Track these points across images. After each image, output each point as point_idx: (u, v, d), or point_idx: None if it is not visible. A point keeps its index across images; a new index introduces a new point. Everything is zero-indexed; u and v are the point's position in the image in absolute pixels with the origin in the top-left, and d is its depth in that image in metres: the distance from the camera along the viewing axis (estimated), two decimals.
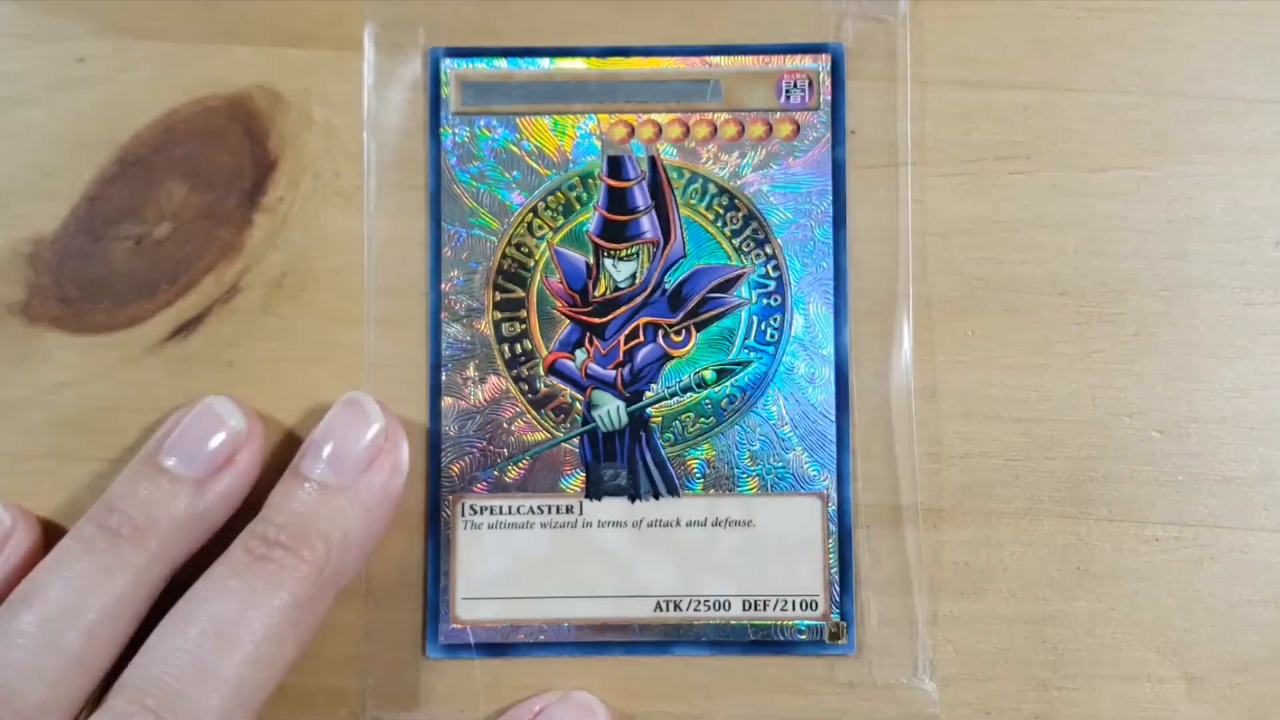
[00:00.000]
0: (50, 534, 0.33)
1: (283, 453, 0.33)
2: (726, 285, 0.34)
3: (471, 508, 0.34)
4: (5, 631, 0.30)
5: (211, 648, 0.29)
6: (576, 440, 0.34)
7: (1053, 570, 0.34)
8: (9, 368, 0.34)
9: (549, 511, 0.34)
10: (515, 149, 0.34)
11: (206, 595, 0.30)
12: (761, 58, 0.34)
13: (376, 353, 0.34)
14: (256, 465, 0.33)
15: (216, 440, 0.32)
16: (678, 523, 0.34)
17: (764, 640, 0.34)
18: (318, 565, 0.31)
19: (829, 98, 0.34)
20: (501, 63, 0.34)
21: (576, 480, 0.34)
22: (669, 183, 0.34)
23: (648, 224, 0.34)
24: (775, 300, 0.34)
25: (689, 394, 0.34)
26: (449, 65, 0.34)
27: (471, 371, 0.34)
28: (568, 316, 0.34)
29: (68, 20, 0.35)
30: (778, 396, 0.34)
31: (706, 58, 0.34)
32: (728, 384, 0.34)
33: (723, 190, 0.34)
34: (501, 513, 0.34)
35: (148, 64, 0.34)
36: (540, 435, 0.34)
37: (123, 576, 0.30)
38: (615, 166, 0.34)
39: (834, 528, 0.34)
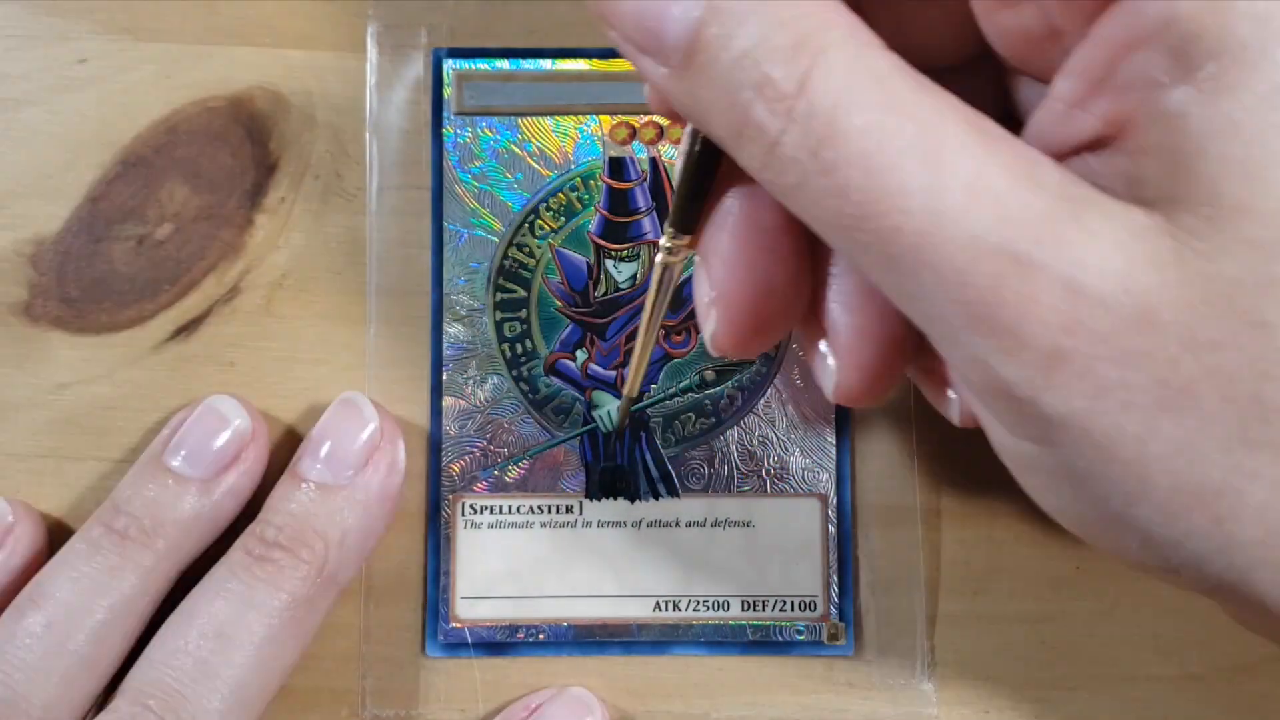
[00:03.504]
0: (53, 534, 0.33)
1: (285, 453, 0.33)
2: None
3: (472, 507, 0.34)
4: (13, 633, 0.30)
5: (213, 649, 0.30)
6: (577, 440, 0.34)
7: (1052, 570, 0.34)
8: (11, 368, 0.34)
9: (549, 511, 0.34)
10: (517, 149, 0.34)
11: (207, 597, 0.31)
12: None
13: (378, 353, 0.34)
14: (262, 463, 0.33)
15: (221, 439, 0.32)
16: (677, 523, 0.34)
17: (763, 641, 0.34)
18: (316, 565, 0.31)
19: None
20: (503, 63, 0.34)
21: (576, 481, 0.34)
22: (671, 184, 0.34)
23: (649, 225, 0.34)
24: None
25: (689, 394, 0.34)
26: (451, 66, 0.34)
27: (472, 371, 0.34)
28: (569, 317, 0.34)
29: (69, 21, 0.34)
30: (777, 397, 0.34)
31: None
32: (728, 384, 0.34)
33: None
34: (501, 512, 0.34)
35: (149, 65, 0.34)
36: (540, 435, 0.34)
37: (130, 578, 0.31)
38: (617, 167, 0.34)
39: (833, 528, 0.34)
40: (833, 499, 0.34)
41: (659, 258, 0.27)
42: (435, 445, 0.34)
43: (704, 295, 0.26)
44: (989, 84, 0.25)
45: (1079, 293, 0.20)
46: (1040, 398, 0.20)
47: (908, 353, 0.26)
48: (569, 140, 0.34)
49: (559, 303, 0.34)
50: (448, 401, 0.34)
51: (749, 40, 0.20)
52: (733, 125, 0.21)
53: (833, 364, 0.26)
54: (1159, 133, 0.20)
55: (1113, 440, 0.20)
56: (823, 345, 0.26)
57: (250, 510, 0.32)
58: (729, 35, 0.21)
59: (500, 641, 0.34)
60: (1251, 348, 0.20)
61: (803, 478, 0.34)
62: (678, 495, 0.34)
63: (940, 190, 0.20)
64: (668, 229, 0.26)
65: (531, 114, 0.34)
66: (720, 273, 0.25)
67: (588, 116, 0.34)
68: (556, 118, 0.34)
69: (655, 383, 0.34)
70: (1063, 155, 0.21)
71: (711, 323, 0.26)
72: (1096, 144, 0.21)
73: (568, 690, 0.33)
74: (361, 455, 0.32)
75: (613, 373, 0.34)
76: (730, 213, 0.25)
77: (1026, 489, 0.24)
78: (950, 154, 0.20)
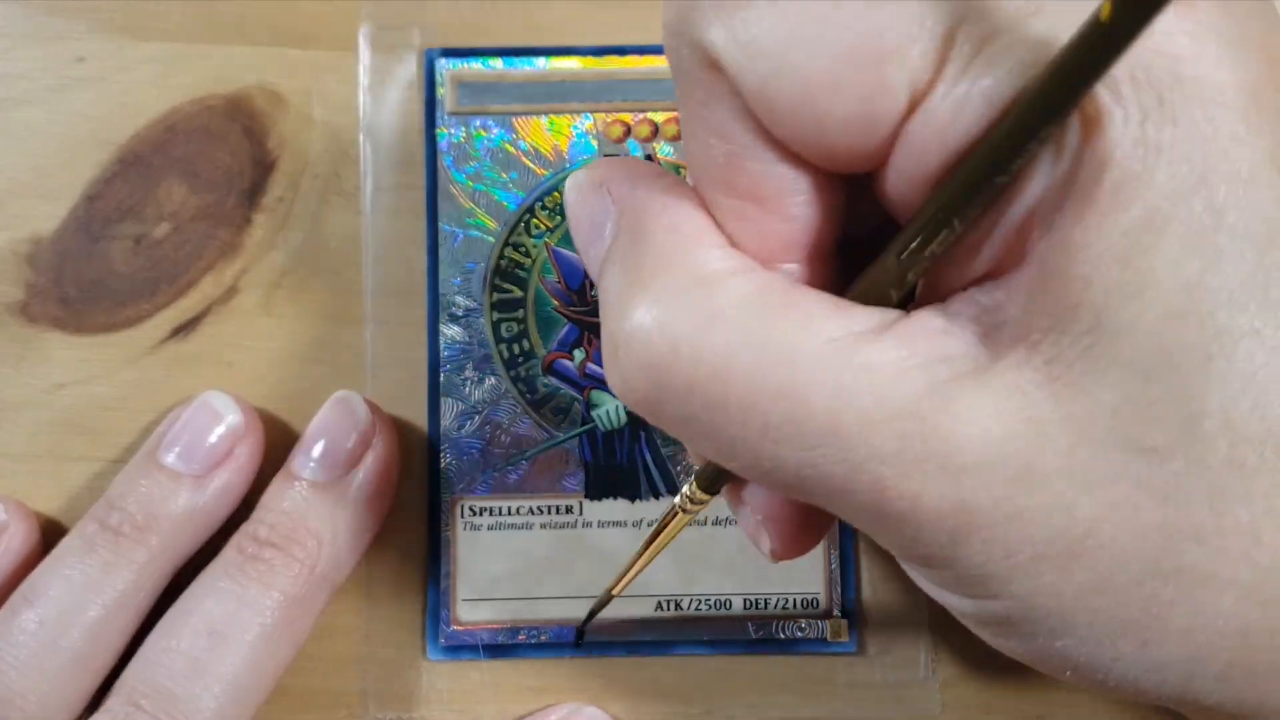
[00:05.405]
0: (50, 534, 0.33)
1: (282, 453, 0.33)
2: None
3: (471, 509, 0.34)
4: (8, 630, 0.30)
5: (205, 648, 0.30)
6: (576, 440, 0.34)
7: None
8: (8, 368, 0.34)
9: (549, 512, 0.34)
10: (511, 149, 0.34)
11: (200, 596, 0.31)
12: None
13: (375, 353, 0.34)
14: (255, 460, 0.33)
15: (214, 435, 0.32)
16: None
17: (765, 639, 0.33)
18: (309, 564, 0.31)
19: None
20: (497, 63, 0.35)
21: (576, 481, 0.34)
22: None
23: None
24: None
25: None
26: (444, 65, 0.35)
27: (470, 372, 0.34)
28: (566, 316, 0.34)
29: (68, 20, 0.35)
30: None
31: None
32: None
33: None
34: (501, 513, 0.34)
35: (147, 64, 0.35)
36: (539, 436, 0.34)
37: (125, 574, 0.31)
38: None
39: (835, 525, 0.34)
40: None
41: (677, 500, 0.28)
42: (434, 447, 0.34)
43: (748, 521, 0.26)
44: None
45: (960, 473, 0.20)
46: (954, 566, 0.21)
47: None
48: (563, 139, 0.34)
49: (556, 302, 0.34)
50: (445, 403, 0.34)
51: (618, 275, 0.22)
52: None
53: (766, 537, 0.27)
54: (1041, 262, 0.20)
55: (1030, 591, 0.21)
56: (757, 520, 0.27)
57: (245, 509, 0.32)
58: (608, 274, 0.23)
59: (502, 643, 0.33)
60: (1143, 475, 0.20)
61: None
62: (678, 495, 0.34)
63: (803, 420, 0.20)
64: (694, 486, 0.27)
65: (525, 113, 0.34)
66: (760, 500, 0.26)
67: (582, 114, 0.34)
68: (550, 116, 0.34)
69: None
70: (955, 289, 0.21)
71: (766, 541, 0.26)
72: (985, 278, 0.21)
73: (582, 709, 0.33)
74: (355, 454, 0.32)
75: None
76: None
77: (961, 621, 0.24)
78: (806, 374, 0.20)
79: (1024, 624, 0.22)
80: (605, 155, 0.34)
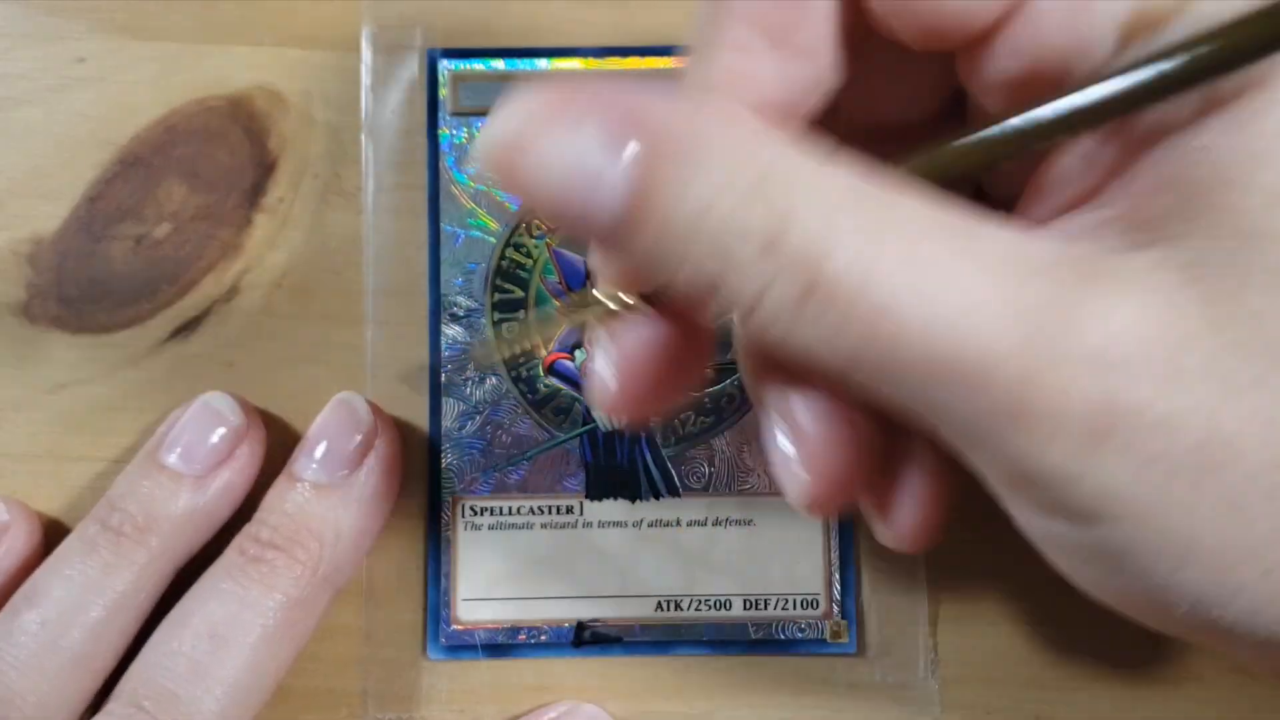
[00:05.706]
0: (51, 534, 0.33)
1: (283, 454, 0.33)
2: None
3: (472, 509, 0.34)
4: (8, 630, 0.30)
5: (207, 650, 0.30)
6: (576, 440, 0.34)
7: (1053, 570, 0.33)
8: (9, 368, 0.34)
9: (549, 512, 0.34)
10: None
11: (202, 598, 0.31)
12: None
13: (376, 353, 0.34)
14: (256, 461, 0.33)
15: (215, 436, 0.32)
16: (678, 523, 0.34)
17: (765, 640, 0.33)
18: (311, 565, 0.31)
19: None
20: (499, 63, 0.35)
21: (576, 481, 0.34)
22: None
23: None
24: None
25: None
26: (446, 66, 0.34)
27: (471, 372, 0.34)
28: None
29: (68, 20, 0.35)
30: None
31: None
32: (728, 382, 0.34)
33: None
34: (502, 514, 0.34)
35: (148, 64, 0.35)
36: (540, 436, 0.34)
37: (125, 575, 0.31)
38: None
39: (835, 526, 0.34)
40: None
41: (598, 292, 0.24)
42: (434, 447, 0.34)
43: (785, 453, 0.23)
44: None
45: (1109, 369, 0.19)
46: (1083, 480, 0.20)
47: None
48: None
49: (557, 303, 0.34)
50: (447, 403, 0.34)
51: (710, 187, 0.19)
52: (703, 283, 0.20)
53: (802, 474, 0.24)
54: (1175, 169, 0.19)
55: (1160, 511, 0.19)
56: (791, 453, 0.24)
57: (247, 511, 0.32)
58: (684, 183, 0.19)
59: (502, 643, 0.33)
60: None
61: None
62: (678, 495, 0.34)
63: (938, 319, 0.19)
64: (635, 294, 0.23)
65: None
66: (813, 430, 0.23)
67: None
68: None
69: None
70: (1082, 192, 0.21)
71: (802, 484, 0.23)
72: (1113, 182, 0.20)
73: (580, 708, 0.33)
74: (356, 455, 0.32)
75: None
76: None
77: (1056, 566, 0.23)
78: (938, 274, 0.19)
79: (1144, 553, 0.20)
80: None
